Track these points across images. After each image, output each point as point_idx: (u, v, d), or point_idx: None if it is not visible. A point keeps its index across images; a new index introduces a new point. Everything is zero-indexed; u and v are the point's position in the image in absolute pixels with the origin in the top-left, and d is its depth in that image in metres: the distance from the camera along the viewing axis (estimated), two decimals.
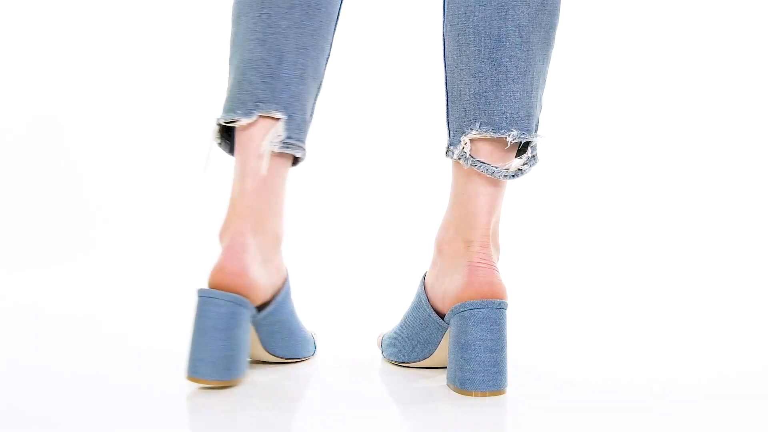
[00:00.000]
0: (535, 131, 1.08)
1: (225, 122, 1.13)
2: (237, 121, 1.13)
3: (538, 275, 1.93)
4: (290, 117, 1.14)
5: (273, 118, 1.13)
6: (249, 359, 1.23)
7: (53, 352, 1.33)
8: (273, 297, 1.17)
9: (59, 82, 2.41)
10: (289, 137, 1.14)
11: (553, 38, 1.10)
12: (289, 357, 1.23)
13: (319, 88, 1.19)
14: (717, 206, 2.27)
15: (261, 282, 1.13)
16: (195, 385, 1.11)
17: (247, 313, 1.11)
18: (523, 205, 2.30)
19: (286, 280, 1.20)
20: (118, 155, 2.39)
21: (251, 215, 1.13)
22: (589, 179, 2.38)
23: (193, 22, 2.45)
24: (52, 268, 2.06)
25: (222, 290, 1.10)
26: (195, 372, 1.10)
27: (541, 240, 2.20)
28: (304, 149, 1.16)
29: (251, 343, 1.19)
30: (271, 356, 1.22)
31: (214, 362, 1.09)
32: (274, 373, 1.20)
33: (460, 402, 1.04)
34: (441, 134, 2.53)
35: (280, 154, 1.14)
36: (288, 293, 1.20)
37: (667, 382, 1.15)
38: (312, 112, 1.19)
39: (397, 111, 2.43)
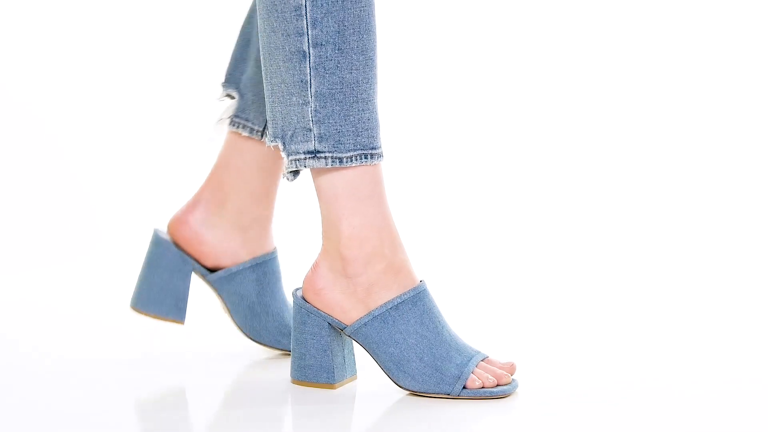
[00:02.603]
0: (284, 137, 1.07)
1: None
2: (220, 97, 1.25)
3: (536, 275, 1.94)
4: (241, 96, 1.22)
5: (231, 96, 1.24)
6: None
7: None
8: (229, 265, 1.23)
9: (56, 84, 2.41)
10: (236, 115, 1.23)
11: (293, 42, 1.04)
12: (269, 344, 1.23)
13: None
14: (716, 205, 2.27)
15: (209, 240, 1.22)
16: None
17: (172, 258, 1.22)
18: (522, 204, 2.30)
19: (254, 259, 1.22)
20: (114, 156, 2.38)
21: (210, 185, 1.23)
22: (587, 178, 2.39)
23: (194, 22, 2.45)
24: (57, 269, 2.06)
25: (167, 232, 1.24)
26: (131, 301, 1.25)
27: (539, 240, 2.20)
28: (249, 128, 1.21)
29: (227, 312, 1.24)
30: (253, 341, 1.23)
31: (138, 294, 1.24)
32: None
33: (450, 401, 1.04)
34: (436, 134, 2.50)
35: (237, 134, 1.22)
36: (256, 271, 1.22)
37: (665, 383, 1.15)
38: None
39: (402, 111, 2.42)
